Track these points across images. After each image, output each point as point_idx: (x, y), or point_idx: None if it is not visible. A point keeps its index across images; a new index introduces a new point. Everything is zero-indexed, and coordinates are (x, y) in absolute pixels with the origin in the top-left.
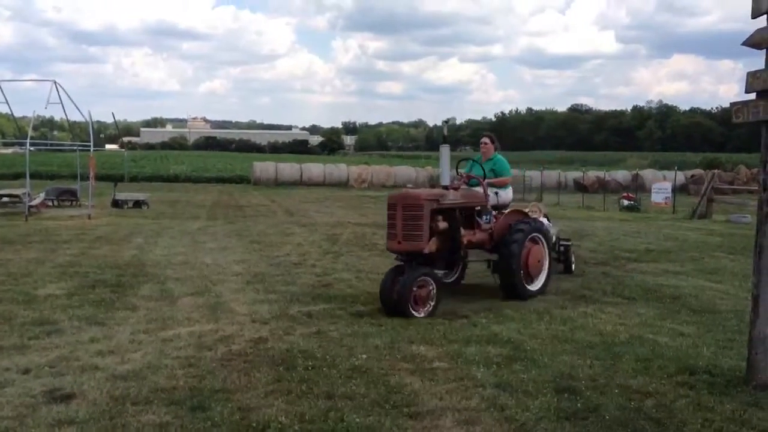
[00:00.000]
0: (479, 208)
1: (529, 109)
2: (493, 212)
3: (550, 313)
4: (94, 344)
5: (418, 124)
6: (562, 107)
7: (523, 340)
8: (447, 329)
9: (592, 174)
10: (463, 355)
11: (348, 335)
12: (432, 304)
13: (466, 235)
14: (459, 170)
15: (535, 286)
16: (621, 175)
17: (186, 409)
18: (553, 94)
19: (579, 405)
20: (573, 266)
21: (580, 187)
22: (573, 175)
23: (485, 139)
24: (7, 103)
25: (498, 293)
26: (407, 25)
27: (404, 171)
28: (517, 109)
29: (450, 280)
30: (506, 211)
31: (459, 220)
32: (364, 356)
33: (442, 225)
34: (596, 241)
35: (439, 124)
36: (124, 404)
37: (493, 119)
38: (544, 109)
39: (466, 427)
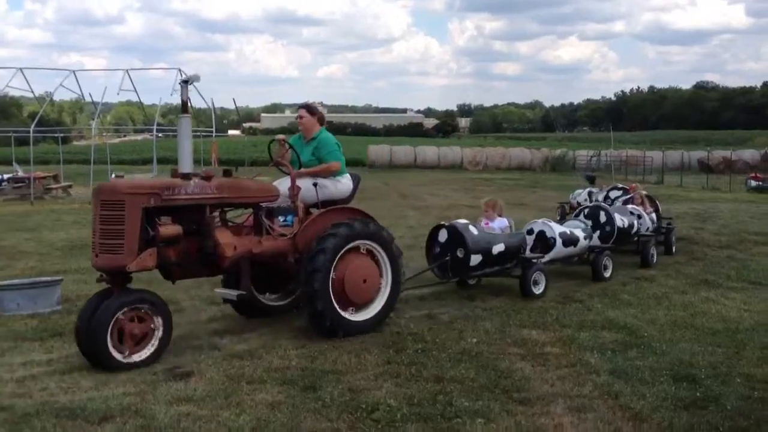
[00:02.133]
0: (269, 205)
1: (652, 88)
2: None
3: (669, 299)
4: (212, 324)
5: (534, 105)
6: (686, 85)
7: (639, 325)
8: (560, 313)
9: (718, 154)
10: (576, 340)
11: (458, 318)
12: (155, 345)
13: (243, 244)
14: (271, 154)
15: (360, 316)
16: (749, 154)
17: (298, 388)
18: (677, 71)
19: (698, 394)
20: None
21: (705, 167)
22: (697, 155)
23: (303, 111)
24: (136, 91)
25: (619, 276)
26: (525, 4)
27: (519, 153)
28: (639, 88)
29: (281, 303)
30: (323, 210)
31: (211, 223)
32: (474, 340)
33: (169, 231)
34: (720, 224)
35: (557, 104)
36: (239, 383)
37: (613, 98)
38: (667, 87)
39: (578, 414)
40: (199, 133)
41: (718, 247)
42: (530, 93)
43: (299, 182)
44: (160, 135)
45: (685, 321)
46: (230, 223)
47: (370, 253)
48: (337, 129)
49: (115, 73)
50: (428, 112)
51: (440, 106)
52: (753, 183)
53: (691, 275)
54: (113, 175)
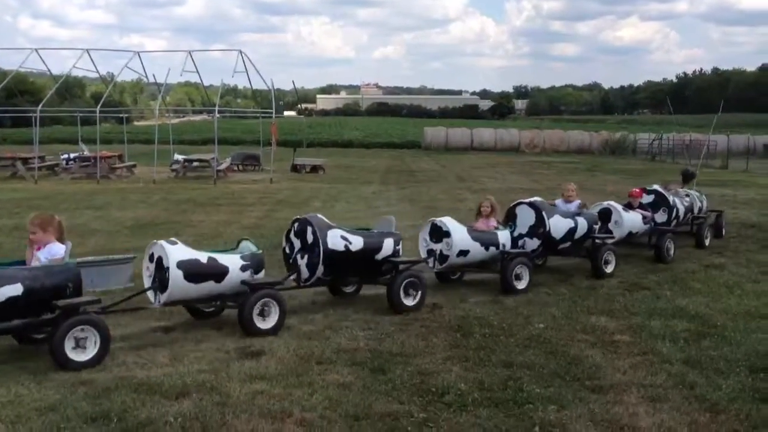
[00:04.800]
0: None
1: (715, 69)
2: None
3: (741, 287)
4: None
5: (593, 86)
6: (751, 66)
7: (711, 315)
8: (628, 301)
9: None
10: (646, 328)
11: (524, 304)
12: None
13: None
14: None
15: None
16: None
17: (367, 370)
18: (742, 53)
19: None
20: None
21: None
22: (763, 139)
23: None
24: (198, 72)
25: (687, 263)
26: None
27: (578, 135)
28: (702, 70)
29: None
30: None
31: None
32: (542, 325)
33: None
34: None
35: (616, 86)
36: (309, 362)
37: (675, 80)
38: (731, 68)
39: (652, 404)
40: (258, 114)
41: None
42: (588, 74)
43: None
44: (219, 116)
45: (758, 311)
46: None
47: None
48: (392, 111)
49: (175, 54)
50: (484, 94)
51: (496, 88)
52: None
53: (763, 263)
54: (176, 156)
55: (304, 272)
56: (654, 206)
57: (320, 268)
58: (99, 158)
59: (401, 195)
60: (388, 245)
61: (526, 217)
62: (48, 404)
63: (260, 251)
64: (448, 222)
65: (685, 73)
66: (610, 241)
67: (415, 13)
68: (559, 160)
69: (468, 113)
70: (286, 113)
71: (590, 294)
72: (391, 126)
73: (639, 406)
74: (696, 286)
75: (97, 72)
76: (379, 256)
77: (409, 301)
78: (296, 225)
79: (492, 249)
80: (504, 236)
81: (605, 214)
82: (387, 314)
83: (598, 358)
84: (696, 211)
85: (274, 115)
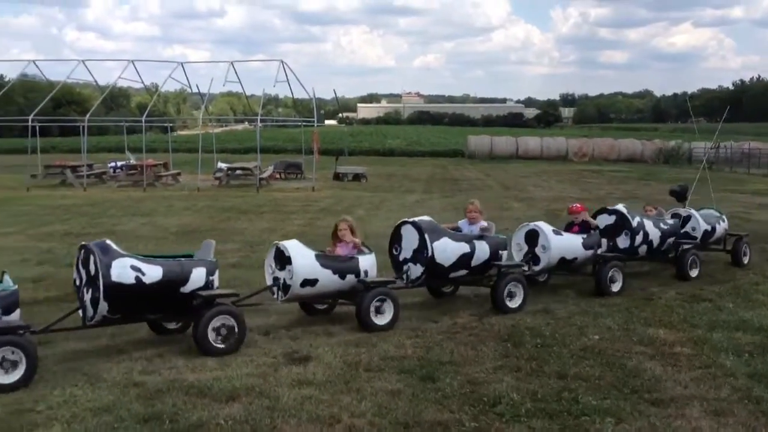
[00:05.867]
0: None
1: None
2: None
3: None
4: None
5: (644, 94)
6: None
7: None
8: (688, 313)
9: None
10: (708, 341)
11: (577, 314)
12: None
13: None
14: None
15: None
16: None
17: (416, 378)
18: None
19: None
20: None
21: None
22: None
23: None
24: (240, 82)
25: (750, 275)
26: None
27: (629, 144)
28: (760, 77)
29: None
30: None
31: None
32: (596, 337)
33: None
34: None
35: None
36: (357, 369)
37: (731, 87)
38: None
39: (716, 418)
40: (300, 123)
41: None
42: (639, 82)
43: None
44: (261, 125)
45: None
46: None
47: None
48: (433, 119)
49: (217, 65)
50: (528, 102)
51: (541, 96)
52: None
53: None
54: (219, 164)
55: (89, 309)
56: (615, 229)
57: (102, 305)
58: (145, 166)
59: (445, 203)
60: (197, 276)
61: (410, 240)
62: (102, 405)
63: (14, 287)
64: (292, 247)
65: (741, 80)
66: (535, 268)
67: (455, 21)
68: (609, 168)
69: (512, 121)
70: (327, 122)
71: (647, 305)
72: (433, 134)
73: (702, 420)
74: (760, 298)
75: (142, 82)
76: (186, 289)
77: (219, 343)
78: (82, 253)
79: (350, 277)
80: (367, 262)
81: (532, 237)
82: (434, 323)
83: (657, 370)
84: (698, 235)
85: (315, 124)
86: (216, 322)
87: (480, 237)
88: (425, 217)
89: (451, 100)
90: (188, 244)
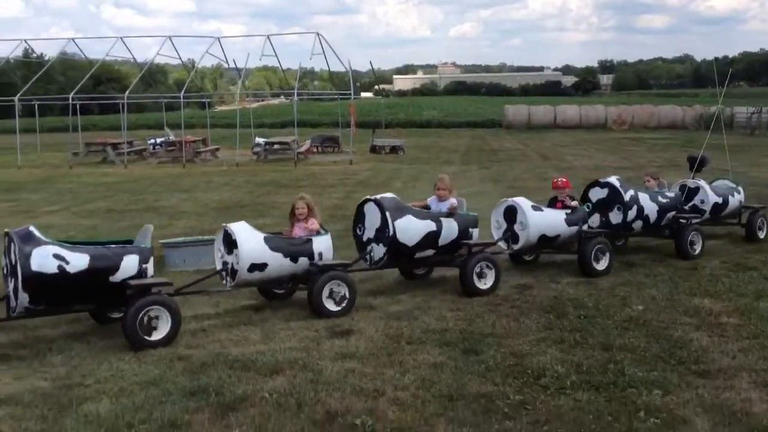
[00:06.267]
0: None
1: None
2: None
3: None
4: (366, 284)
5: (684, 59)
6: None
7: None
8: (733, 282)
9: None
10: (755, 310)
11: (620, 284)
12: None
13: None
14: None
15: None
16: None
17: (458, 351)
18: None
19: None
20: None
21: None
22: None
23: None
24: (277, 56)
25: None
26: None
27: (669, 111)
28: None
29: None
30: None
31: None
32: (640, 307)
33: None
34: None
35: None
36: (399, 342)
37: None
38: None
39: (766, 389)
40: (336, 96)
41: None
42: (679, 46)
43: None
44: (298, 99)
45: None
46: None
47: None
48: (470, 89)
49: (252, 39)
50: (566, 70)
51: (579, 63)
52: None
53: None
54: (257, 139)
55: (12, 300)
56: (606, 204)
57: (23, 296)
58: (184, 143)
59: (483, 175)
60: (129, 264)
61: (372, 219)
62: (148, 379)
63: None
64: (239, 229)
65: None
66: (514, 246)
67: None
68: (649, 136)
69: (550, 90)
70: (363, 94)
71: (691, 275)
72: (470, 105)
73: (751, 392)
74: None
75: (180, 58)
76: (116, 278)
77: (155, 336)
78: (5, 240)
79: (302, 261)
80: (322, 244)
81: (511, 213)
82: (474, 295)
83: (704, 341)
84: (707, 208)
85: (352, 96)
86: (151, 313)
87: (448, 215)
88: (388, 195)
89: (487, 69)
90: (228, 218)
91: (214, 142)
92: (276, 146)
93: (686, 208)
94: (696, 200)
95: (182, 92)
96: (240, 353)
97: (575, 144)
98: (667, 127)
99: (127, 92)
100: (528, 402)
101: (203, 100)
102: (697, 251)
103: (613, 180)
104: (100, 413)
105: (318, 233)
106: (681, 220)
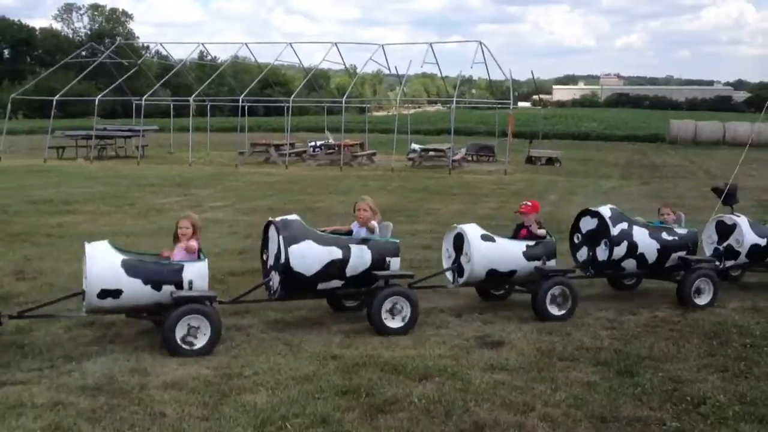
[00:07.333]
0: None
1: None
2: None
3: None
4: (521, 295)
5: None
6: None
7: None
8: None
9: None
10: None
11: None
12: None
13: None
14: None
15: None
16: None
17: (613, 371)
18: None
19: None
20: (701, 300)
21: None
22: None
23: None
24: (437, 64)
25: None
26: None
27: None
28: None
29: None
30: None
31: None
32: None
33: None
34: None
35: None
36: (551, 358)
37: None
38: None
39: None
40: (495, 105)
41: None
42: None
43: None
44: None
45: None
46: None
47: None
48: (633, 102)
49: (413, 46)
50: (739, 85)
51: (754, 78)
52: None
53: None
54: (413, 145)
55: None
56: (595, 237)
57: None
58: (342, 146)
59: (643, 191)
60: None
61: (273, 243)
62: (303, 374)
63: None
64: (92, 251)
65: None
66: (459, 280)
67: None
68: None
69: (720, 105)
70: (520, 104)
71: None
72: (632, 118)
73: None
74: None
75: (344, 64)
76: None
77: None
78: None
79: (166, 288)
80: (195, 270)
81: (460, 242)
82: (632, 314)
83: None
84: (742, 250)
85: (511, 106)
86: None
87: (363, 241)
88: (291, 216)
89: (652, 81)
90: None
91: (371, 146)
92: (431, 153)
93: (721, 248)
94: (732, 240)
95: (344, 97)
96: (391, 356)
97: (746, 163)
98: None
99: (293, 96)
100: (686, 430)
101: (363, 105)
102: (705, 301)
103: (604, 210)
104: (257, 404)
105: (198, 257)
106: (690, 263)
